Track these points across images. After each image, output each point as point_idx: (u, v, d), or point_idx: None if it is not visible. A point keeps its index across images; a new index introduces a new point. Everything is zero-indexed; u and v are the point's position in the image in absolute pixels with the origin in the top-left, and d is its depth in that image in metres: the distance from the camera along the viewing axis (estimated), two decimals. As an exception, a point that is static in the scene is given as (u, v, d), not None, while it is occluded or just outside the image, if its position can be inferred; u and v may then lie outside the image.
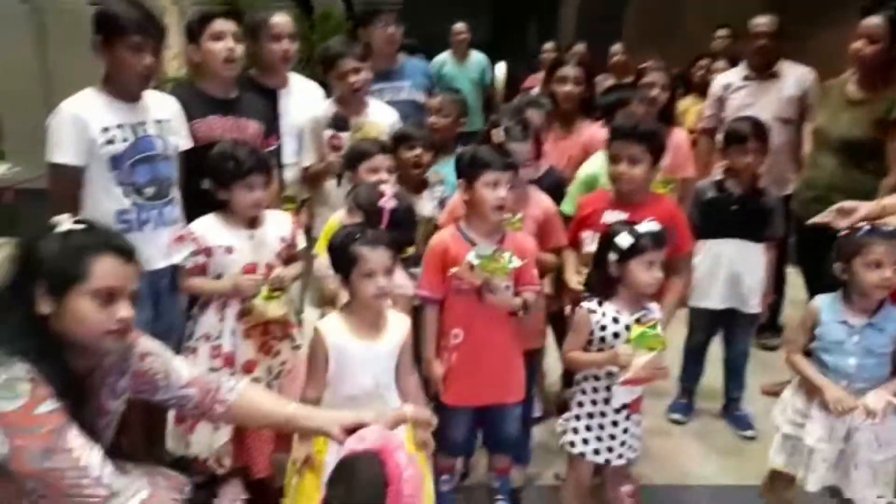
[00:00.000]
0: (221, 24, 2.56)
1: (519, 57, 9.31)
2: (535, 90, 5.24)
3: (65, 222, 1.44)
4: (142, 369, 1.61)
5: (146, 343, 1.65)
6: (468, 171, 2.25)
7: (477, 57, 5.57)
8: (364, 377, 2.00)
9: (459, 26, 5.78)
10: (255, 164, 2.31)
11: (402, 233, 2.24)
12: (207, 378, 1.72)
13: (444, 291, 2.29)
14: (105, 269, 1.40)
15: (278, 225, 2.45)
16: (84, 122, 2.19)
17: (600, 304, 2.17)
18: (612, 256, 2.12)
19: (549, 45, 6.59)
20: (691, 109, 4.44)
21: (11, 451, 1.27)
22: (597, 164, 2.85)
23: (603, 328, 2.15)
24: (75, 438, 1.33)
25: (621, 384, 2.10)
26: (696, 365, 3.29)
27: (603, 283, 2.19)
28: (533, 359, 2.71)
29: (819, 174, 3.26)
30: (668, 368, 2.14)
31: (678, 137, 3.29)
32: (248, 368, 2.36)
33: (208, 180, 2.34)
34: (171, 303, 2.45)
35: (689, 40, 6.34)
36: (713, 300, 3.09)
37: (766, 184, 3.11)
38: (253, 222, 2.39)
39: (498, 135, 2.43)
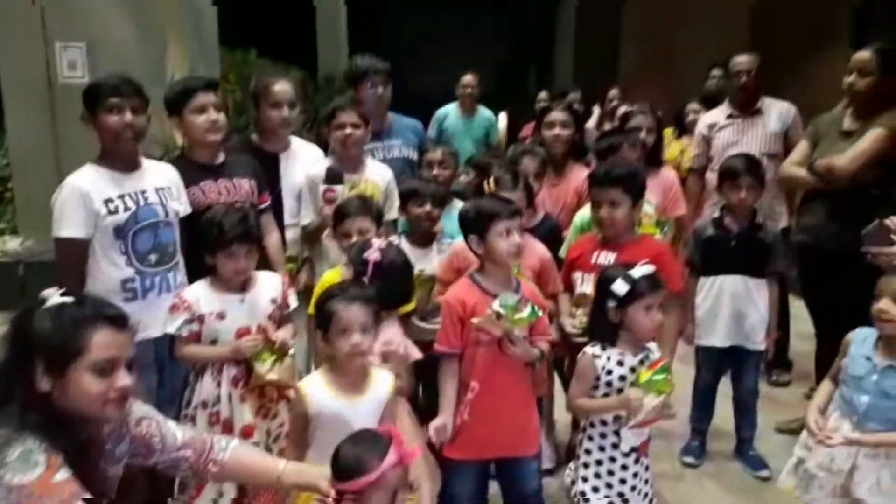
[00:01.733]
0: (203, 98, 2.61)
1: (521, 106, 9.47)
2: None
3: (53, 296, 1.44)
4: (139, 433, 1.64)
5: (140, 408, 1.67)
6: (477, 225, 2.23)
7: (484, 113, 5.11)
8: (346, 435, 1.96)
9: (468, 79, 5.14)
10: (240, 233, 2.32)
11: (390, 286, 2.25)
12: (200, 438, 1.75)
13: (462, 344, 2.25)
14: (101, 341, 1.41)
15: (268, 287, 2.47)
16: (87, 194, 2.27)
17: (603, 348, 2.18)
18: (611, 303, 2.14)
19: (542, 95, 6.46)
20: (687, 149, 4.49)
21: None
22: (590, 210, 2.90)
23: (609, 372, 2.15)
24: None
25: (630, 428, 2.10)
26: (706, 405, 3.25)
27: (604, 329, 2.20)
28: (539, 406, 2.70)
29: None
30: (674, 410, 2.15)
31: (668, 177, 3.36)
32: (246, 433, 2.35)
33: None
34: (174, 370, 2.47)
35: (683, 81, 6.47)
36: (718, 338, 3.08)
37: (760, 219, 3.13)
38: (244, 286, 2.41)
39: (488, 185, 2.48)
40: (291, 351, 2.41)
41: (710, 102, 4.62)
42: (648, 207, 3.05)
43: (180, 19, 6.53)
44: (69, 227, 2.28)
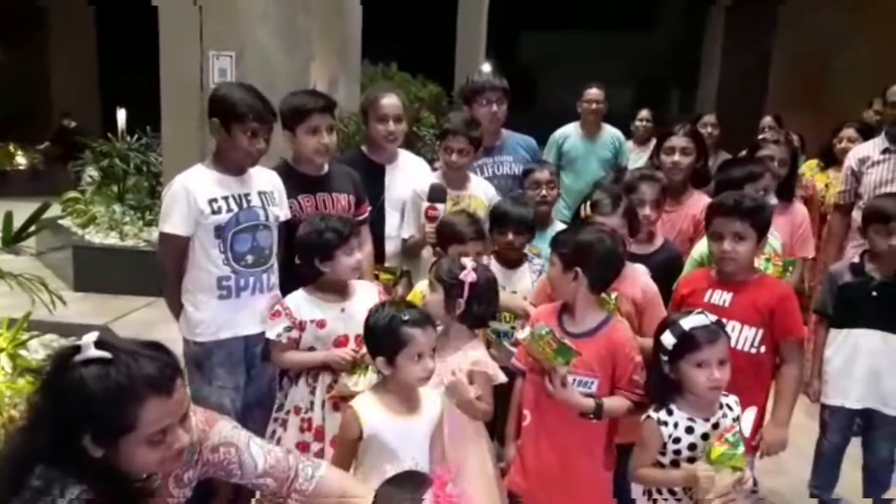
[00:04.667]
0: (318, 120, 2.63)
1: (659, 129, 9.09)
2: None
3: (89, 347, 1.30)
4: (214, 460, 1.57)
5: (222, 432, 1.58)
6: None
7: (610, 132, 4.54)
8: (402, 457, 1.91)
9: (594, 92, 4.51)
10: (350, 231, 2.41)
11: (483, 307, 2.22)
12: (285, 465, 1.63)
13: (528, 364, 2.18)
14: (152, 415, 1.31)
15: (367, 297, 2.48)
16: (193, 194, 2.35)
17: (670, 412, 1.95)
18: (663, 357, 1.94)
19: (644, 114, 5.60)
20: (833, 184, 4.07)
21: None
22: (712, 242, 2.68)
23: (676, 441, 1.94)
24: None
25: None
26: (829, 471, 2.90)
27: (659, 387, 1.99)
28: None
29: None
30: (751, 483, 1.92)
31: (799, 214, 3.08)
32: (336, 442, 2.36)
33: (305, 256, 2.41)
34: (263, 369, 2.53)
35: (839, 109, 5.91)
36: (850, 398, 2.74)
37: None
38: (343, 295, 2.44)
39: (584, 209, 2.35)
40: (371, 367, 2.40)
41: (866, 133, 4.17)
42: (776, 243, 2.77)
43: (326, 33, 6.86)
44: (172, 224, 2.37)
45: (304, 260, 2.42)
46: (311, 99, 2.70)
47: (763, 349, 2.29)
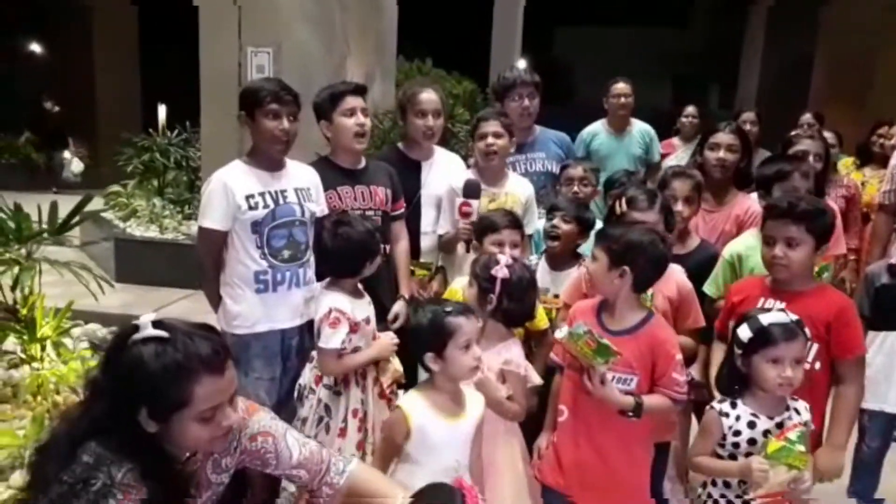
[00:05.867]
0: (352, 101, 2.70)
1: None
2: (672, 156, 4.90)
3: (147, 326, 1.38)
4: (252, 448, 1.60)
5: (260, 421, 1.62)
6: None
7: (639, 127, 4.33)
8: (447, 457, 1.92)
9: (622, 87, 4.24)
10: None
11: (515, 305, 2.20)
12: (318, 458, 1.67)
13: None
14: (206, 392, 1.37)
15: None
16: (231, 190, 2.40)
17: (734, 405, 1.94)
18: (737, 350, 1.92)
19: (690, 110, 5.33)
20: (869, 182, 3.98)
21: None
22: (744, 243, 2.61)
23: (737, 433, 1.92)
24: None
25: (750, 498, 1.89)
26: (870, 475, 2.83)
27: (730, 380, 1.98)
28: (663, 454, 2.47)
29: None
30: (810, 485, 1.86)
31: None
32: None
33: (361, 258, 2.38)
34: (298, 362, 2.55)
35: (882, 107, 5.76)
36: (889, 402, 2.68)
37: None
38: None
39: (620, 205, 2.32)
40: None
41: None
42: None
43: (362, 29, 6.91)
44: (210, 218, 2.42)
45: (361, 259, 2.39)
46: (342, 84, 2.81)
47: (818, 365, 2.15)
